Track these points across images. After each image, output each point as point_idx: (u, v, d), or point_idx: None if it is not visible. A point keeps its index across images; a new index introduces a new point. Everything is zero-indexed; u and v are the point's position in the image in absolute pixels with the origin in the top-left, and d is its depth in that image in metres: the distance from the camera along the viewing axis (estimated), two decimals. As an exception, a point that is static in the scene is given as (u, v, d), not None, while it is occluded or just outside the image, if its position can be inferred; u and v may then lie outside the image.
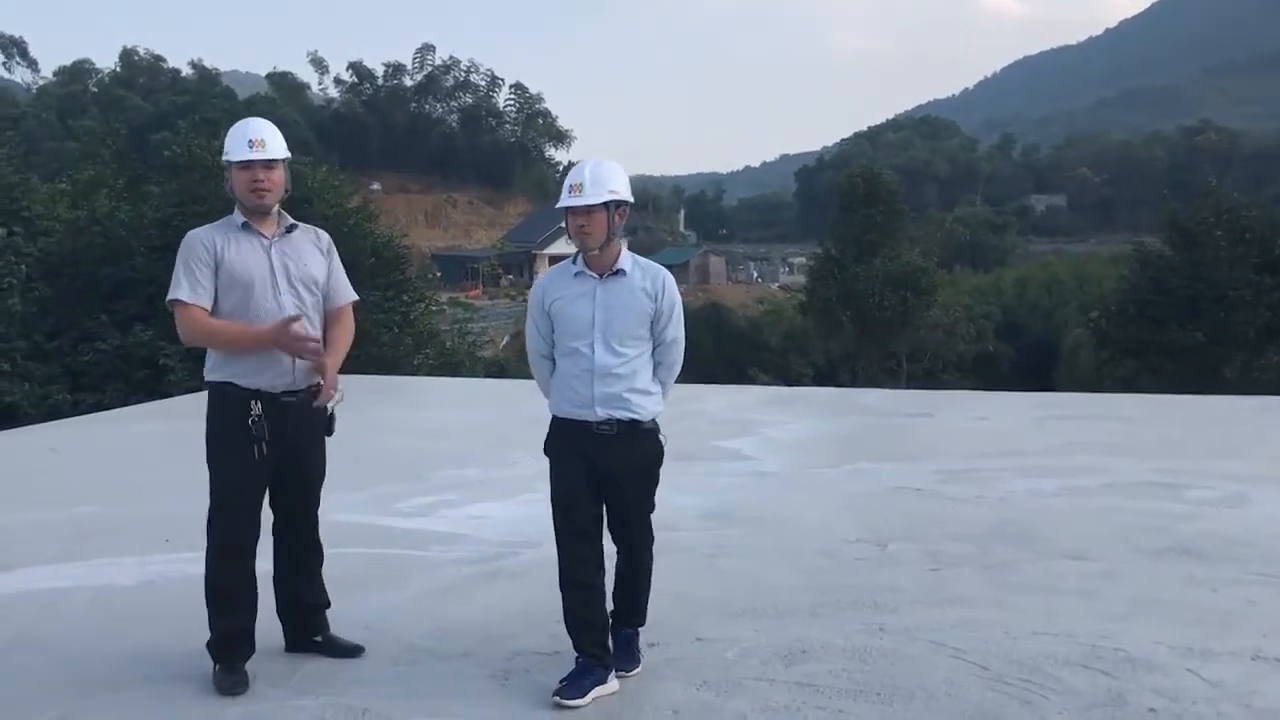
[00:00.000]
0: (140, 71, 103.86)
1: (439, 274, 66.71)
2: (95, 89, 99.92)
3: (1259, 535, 6.31)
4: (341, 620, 4.63)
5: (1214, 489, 7.55)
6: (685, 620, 4.85)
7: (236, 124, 4.25)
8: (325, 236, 4.41)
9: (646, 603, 4.27)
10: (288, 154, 4.24)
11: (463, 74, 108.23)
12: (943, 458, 8.89)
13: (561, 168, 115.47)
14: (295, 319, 4.07)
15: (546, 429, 4.21)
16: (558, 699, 3.94)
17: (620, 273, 4.11)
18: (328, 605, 4.50)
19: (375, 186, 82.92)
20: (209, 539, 4.13)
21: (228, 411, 4.07)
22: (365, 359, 19.33)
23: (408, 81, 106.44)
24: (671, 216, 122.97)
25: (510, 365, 37.15)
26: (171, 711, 3.94)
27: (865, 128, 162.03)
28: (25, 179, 22.34)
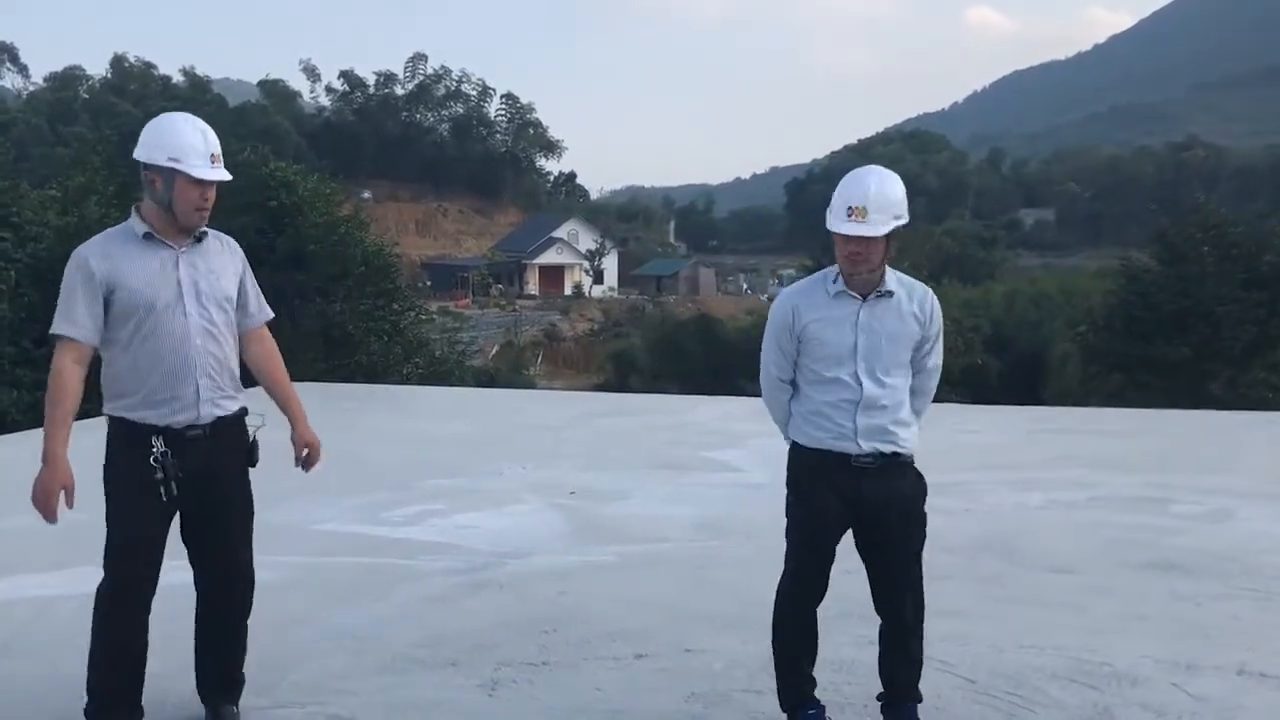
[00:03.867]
0: (131, 78, 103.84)
1: (429, 283, 66.83)
2: (86, 95, 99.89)
3: (1244, 550, 6.34)
4: (329, 630, 4.62)
5: (1200, 504, 7.58)
6: (674, 631, 4.86)
7: (182, 120, 3.55)
8: (238, 247, 3.79)
9: (919, 676, 3.79)
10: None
11: (454, 83, 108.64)
12: (931, 470, 8.85)
13: (552, 178, 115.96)
14: (67, 490, 3.73)
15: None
16: None
17: (888, 294, 3.62)
18: (241, 683, 3.89)
19: (366, 195, 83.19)
20: (101, 584, 3.70)
21: (127, 449, 3.64)
22: (354, 367, 19.30)
23: (399, 90, 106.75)
24: (661, 227, 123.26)
25: (500, 375, 37.14)
26: (157, 720, 3.93)
27: (855, 141, 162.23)
28: (15, 184, 22.28)
